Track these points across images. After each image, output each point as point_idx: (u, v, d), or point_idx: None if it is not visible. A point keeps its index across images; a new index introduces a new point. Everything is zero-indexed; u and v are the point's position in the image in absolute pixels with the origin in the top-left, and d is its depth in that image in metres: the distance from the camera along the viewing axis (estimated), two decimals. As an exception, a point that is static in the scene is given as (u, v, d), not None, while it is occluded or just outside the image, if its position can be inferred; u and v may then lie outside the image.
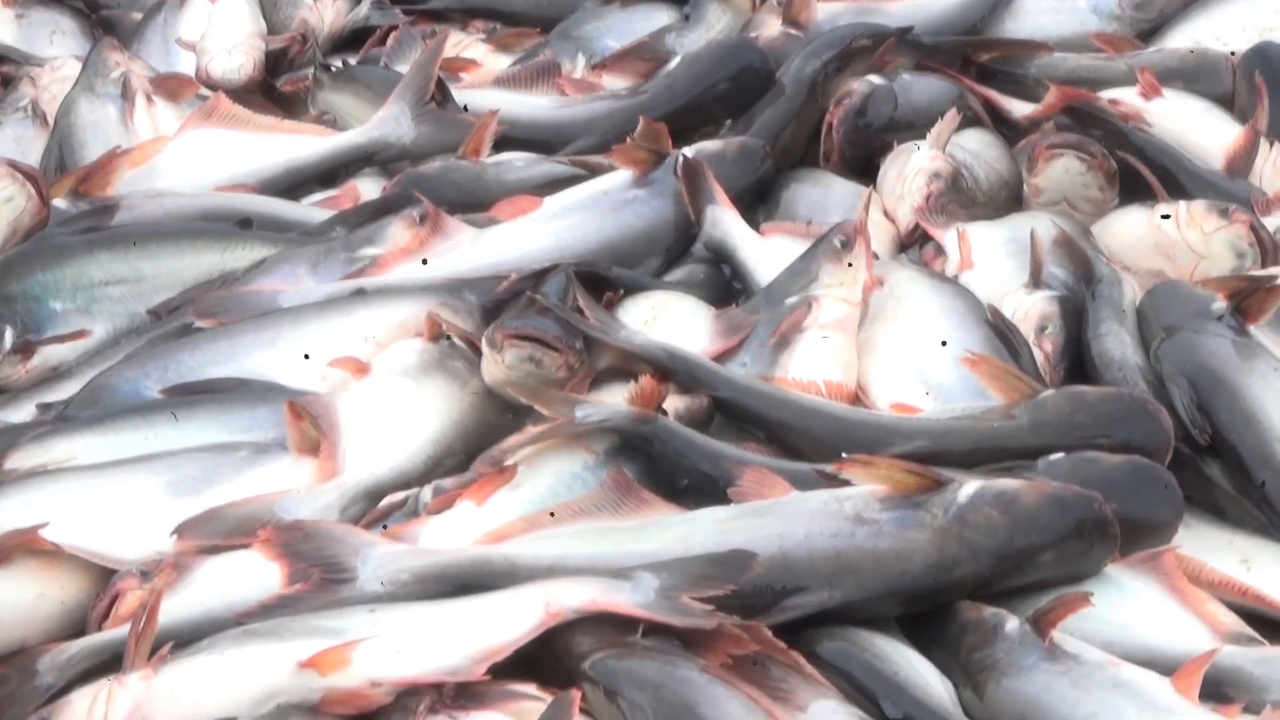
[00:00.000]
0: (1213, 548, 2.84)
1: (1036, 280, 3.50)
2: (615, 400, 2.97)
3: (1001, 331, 3.31)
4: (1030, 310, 3.41)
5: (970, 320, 3.37)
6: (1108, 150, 3.86)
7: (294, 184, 4.14)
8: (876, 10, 4.65)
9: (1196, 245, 3.59)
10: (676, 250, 3.78)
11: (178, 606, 2.57)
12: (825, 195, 4.09)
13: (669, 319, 3.34)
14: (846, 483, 2.70)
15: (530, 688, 2.38)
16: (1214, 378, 3.06)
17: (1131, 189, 3.92)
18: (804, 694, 2.40)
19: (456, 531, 2.73)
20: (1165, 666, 2.46)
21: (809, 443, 2.97)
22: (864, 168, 4.20)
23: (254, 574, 2.64)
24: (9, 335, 3.40)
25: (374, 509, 2.86)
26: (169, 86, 4.54)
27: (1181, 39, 4.60)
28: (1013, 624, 2.53)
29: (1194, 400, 3.01)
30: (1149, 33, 4.69)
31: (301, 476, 2.90)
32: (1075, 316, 3.41)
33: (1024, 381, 3.05)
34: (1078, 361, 3.33)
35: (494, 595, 2.51)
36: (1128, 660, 2.48)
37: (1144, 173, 3.88)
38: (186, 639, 2.47)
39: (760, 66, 4.40)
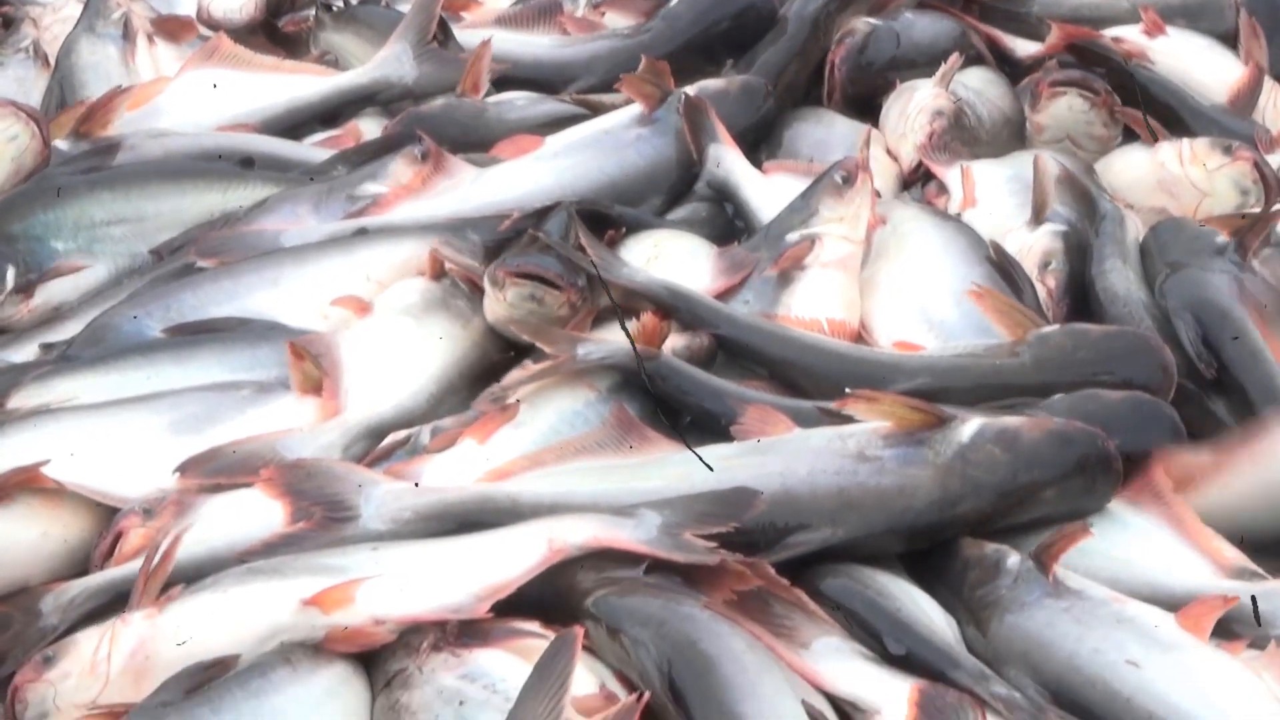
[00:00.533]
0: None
1: (1040, 217, 3.46)
2: (617, 338, 2.94)
3: (1004, 268, 3.28)
4: (1033, 247, 3.38)
5: (973, 257, 3.34)
6: (1110, 88, 3.81)
7: (296, 124, 4.10)
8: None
9: (1200, 183, 3.56)
10: (679, 189, 3.74)
11: (182, 545, 2.53)
12: (828, 134, 4.05)
13: (671, 257, 3.31)
14: (850, 420, 2.67)
15: (533, 625, 2.36)
16: (1219, 313, 3.03)
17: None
18: (807, 631, 2.39)
19: (459, 469, 2.70)
20: (1169, 602, 2.43)
21: (812, 380, 2.94)
22: (866, 106, 4.15)
23: (257, 512, 2.61)
24: (10, 275, 3.37)
25: (376, 447, 2.84)
26: (170, 27, 4.51)
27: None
28: (1015, 560, 2.50)
29: (1199, 335, 2.97)
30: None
31: (304, 415, 2.88)
32: (1078, 253, 3.38)
33: (1027, 316, 3.02)
34: (1081, 298, 3.29)
35: (497, 533, 2.49)
36: (1131, 596, 2.45)
37: (1133, 118, 3.81)
38: (189, 578, 2.45)
39: (762, 5, 4.34)
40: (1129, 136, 3.85)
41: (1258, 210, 3.48)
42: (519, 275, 3.02)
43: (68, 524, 2.69)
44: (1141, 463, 2.71)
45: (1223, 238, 3.27)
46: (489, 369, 3.04)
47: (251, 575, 2.44)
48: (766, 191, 3.62)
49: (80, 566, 2.67)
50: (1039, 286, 3.29)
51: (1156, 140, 3.73)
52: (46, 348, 3.25)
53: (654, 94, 3.75)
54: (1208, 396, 2.97)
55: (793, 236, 3.27)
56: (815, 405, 2.79)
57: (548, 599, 2.42)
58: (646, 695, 2.04)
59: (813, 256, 3.23)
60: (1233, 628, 2.40)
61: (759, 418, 2.73)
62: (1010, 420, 2.66)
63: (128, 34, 4.34)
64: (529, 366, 2.87)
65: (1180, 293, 3.13)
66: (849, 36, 4.19)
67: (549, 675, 2.02)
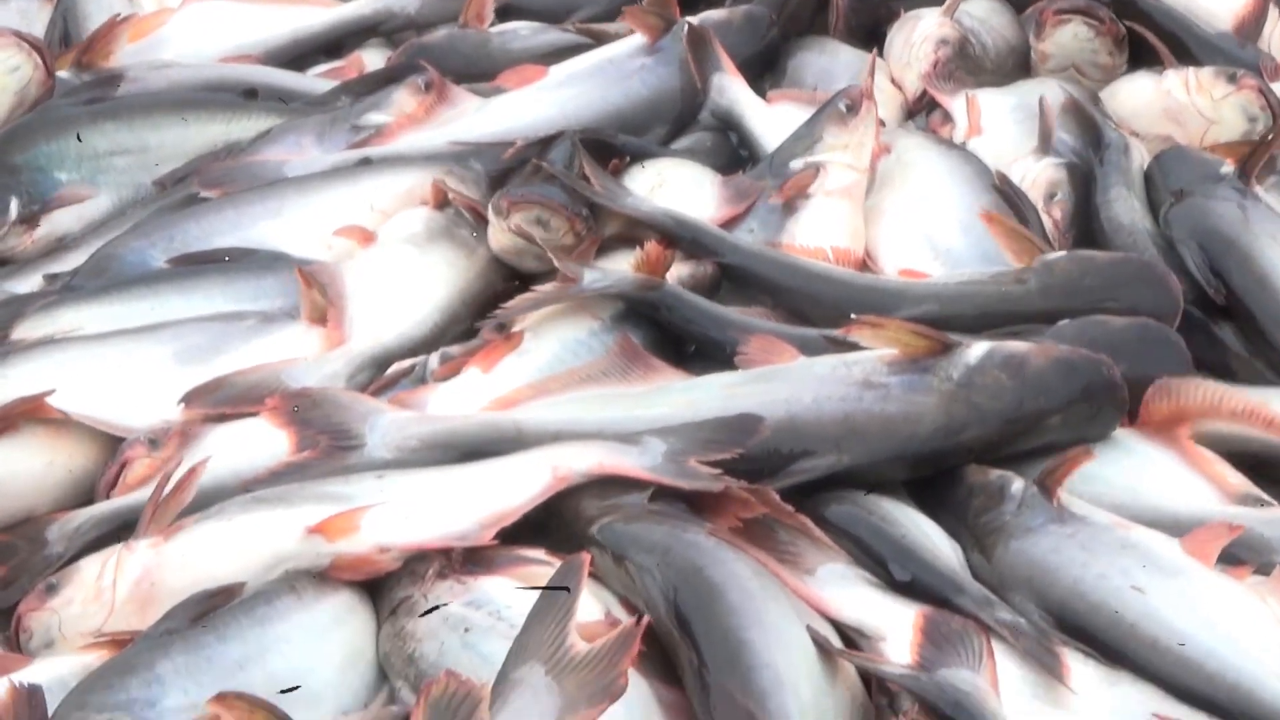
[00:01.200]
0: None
1: (1045, 146, 3.41)
2: (622, 267, 2.91)
3: (1010, 198, 3.23)
4: (1039, 177, 3.33)
5: (978, 186, 3.29)
6: (1115, 15, 3.74)
7: (299, 55, 4.05)
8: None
9: (1206, 110, 3.50)
10: (683, 118, 3.68)
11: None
12: (832, 63, 3.98)
13: (675, 186, 3.26)
14: (855, 347, 2.64)
15: (538, 552, 2.34)
16: (1225, 241, 2.98)
17: (1140, 55, 3.80)
18: (812, 557, 2.36)
19: (464, 398, 2.68)
20: (1174, 528, 2.40)
21: (816, 308, 2.90)
22: (870, 35, 4.07)
23: (262, 442, 2.59)
24: (14, 205, 3.33)
25: (381, 376, 2.82)
26: (173, -42, 4.42)
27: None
28: (1020, 486, 2.47)
29: (1206, 263, 2.93)
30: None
31: (309, 344, 2.85)
32: (1084, 184, 3.33)
33: (1034, 242, 2.98)
34: (1087, 229, 3.24)
35: (501, 460, 2.46)
36: (1136, 522, 2.42)
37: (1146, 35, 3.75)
38: (195, 507, 2.42)
39: (766, -66, 4.26)
40: (1134, 65, 3.79)
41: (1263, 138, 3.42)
42: (523, 204, 2.99)
43: (73, 454, 2.67)
44: (1148, 389, 2.66)
45: (1228, 166, 3.21)
46: (493, 298, 2.99)
47: (257, 504, 2.42)
48: (771, 121, 3.57)
49: (85, 496, 2.65)
50: (1045, 217, 3.23)
51: (1172, 60, 3.66)
52: (51, 278, 3.23)
53: (658, 24, 3.68)
54: (1214, 323, 2.92)
55: (797, 165, 3.23)
56: (820, 333, 2.75)
57: (553, 526, 2.41)
58: (646, 620, 2.01)
59: (817, 185, 3.19)
60: (1237, 553, 2.37)
61: (763, 346, 2.69)
62: (1015, 347, 2.62)
63: (130, -35, 4.27)
64: (535, 291, 2.84)
65: (1185, 222, 3.09)
66: (852, -36, 4.12)
67: (555, 601, 1.99)
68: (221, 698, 1.93)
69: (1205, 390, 2.66)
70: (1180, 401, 2.64)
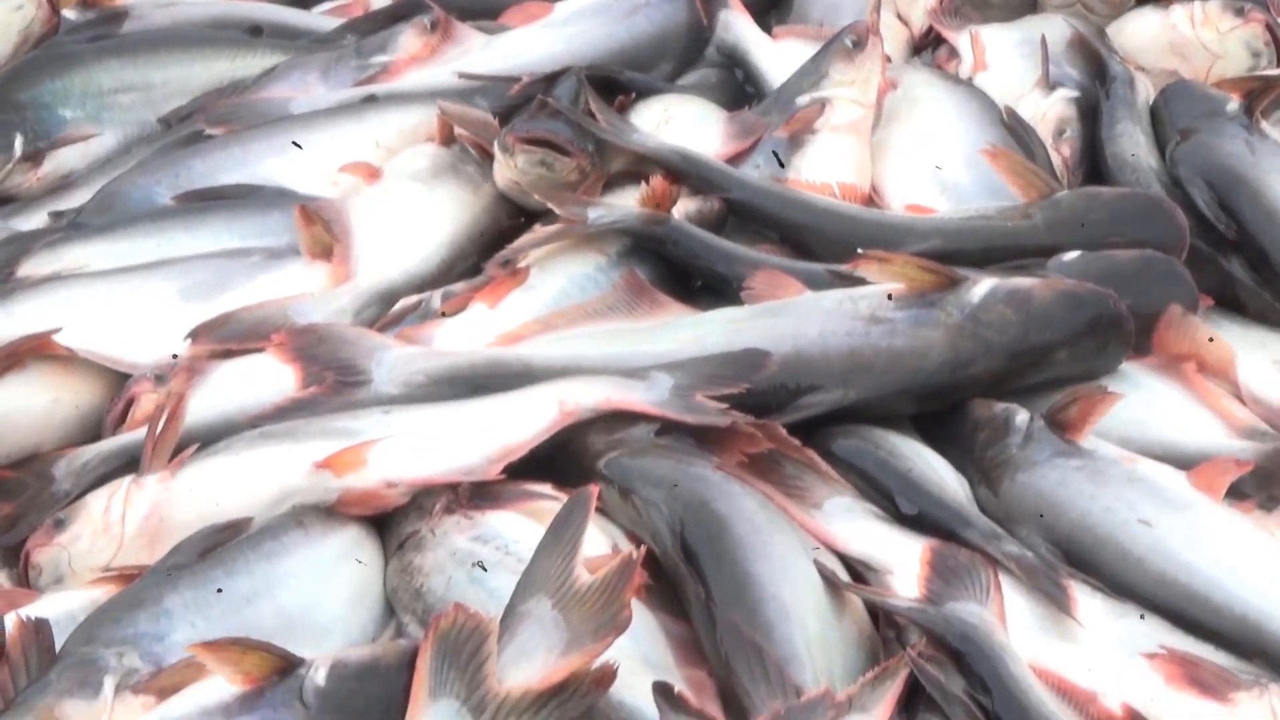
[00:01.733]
0: (1244, 349, 2.71)
1: (1045, 82, 3.35)
2: (628, 203, 2.87)
3: (1017, 133, 3.18)
4: (1048, 113, 3.29)
5: (985, 121, 3.25)
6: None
7: (304, -9, 4.00)
8: None
9: (1211, 45, 3.45)
10: (689, 55, 3.64)
11: (193, 410, 2.49)
12: (837, -2, 3.91)
13: (681, 122, 3.22)
14: (861, 282, 2.60)
15: (546, 487, 2.32)
16: (1232, 177, 2.93)
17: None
18: (819, 491, 2.34)
19: (470, 334, 2.65)
20: (1181, 462, 2.37)
21: (823, 243, 2.86)
22: (878, -29, 4.00)
23: (268, 377, 2.56)
24: (19, 142, 3.30)
25: (387, 312, 2.78)
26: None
27: None
28: (1026, 420, 2.43)
29: (1214, 199, 2.88)
30: None
31: (315, 281, 2.82)
32: (1093, 120, 3.27)
33: (1041, 178, 2.92)
34: (1094, 166, 3.19)
35: (508, 395, 2.43)
36: (1143, 456, 2.39)
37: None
38: (203, 442, 2.40)
39: None
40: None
41: (1269, 72, 3.37)
42: (528, 140, 2.94)
43: (79, 390, 2.64)
44: (1154, 323, 2.63)
45: (1234, 102, 3.15)
46: (499, 235, 2.97)
47: (264, 439, 2.39)
48: (776, 56, 3.52)
49: (93, 433, 2.62)
50: (1054, 154, 3.19)
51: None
52: (56, 216, 3.20)
53: (661, -38, 3.63)
54: (1221, 257, 2.87)
55: (803, 100, 3.18)
56: (826, 268, 2.72)
57: (560, 461, 2.38)
58: (644, 548, 1.99)
59: (823, 120, 3.15)
60: (1243, 487, 2.34)
61: (769, 281, 2.66)
62: (1022, 281, 2.58)
63: (134, -99, 4.20)
64: (540, 229, 2.80)
65: (1192, 159, 3.03)
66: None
67: (561, 535, 1.97)
68: (208, 644, 1.89)
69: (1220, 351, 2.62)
70: (1194, 345, 2.60)
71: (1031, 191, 2.88)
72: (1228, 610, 2.13)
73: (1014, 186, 2.91)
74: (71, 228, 3.09)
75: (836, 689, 1.94)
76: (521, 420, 2.37)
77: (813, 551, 2.20)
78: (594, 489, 2.04)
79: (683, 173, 2.95)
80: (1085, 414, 2.38)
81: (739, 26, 3.61)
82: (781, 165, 3.09)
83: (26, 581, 2.31)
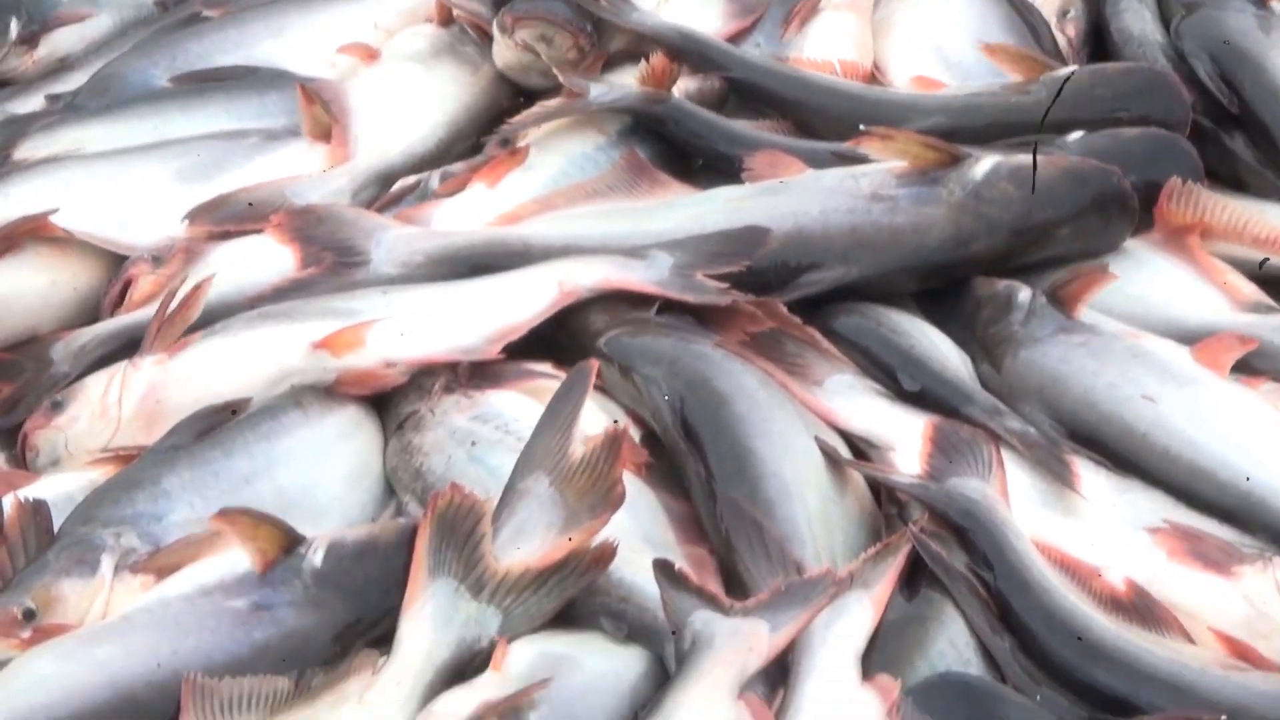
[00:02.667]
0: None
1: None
2: (628, 82, 2.78)
3: (1021, 11, 3.08)
4: (1051, -7, 3.18)
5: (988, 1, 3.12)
6: None
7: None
8: None
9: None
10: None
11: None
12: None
13: (680, 0, 3.10)
14: (863, 160, 2.53)
15: (545, 366, 2.27)
16: (1238, 53, 2.82)
17: None
18: (820, 368, 2.28)
19: (469, 213, 2.58)
20: (1185, 337, 2.30)
21: (825, 121, 2.77)
22: None
23: (266, 258, 2.50)
24: (14, 25, 3.24)
25: (386, 193, 2.72)
26: None
27: None
28: (1029, 296, 2.36)
29: (1218, 75, 2.78)
30: None
31: (312, 162, 2.75)
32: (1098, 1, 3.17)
33: (1044, 63, 2.83)
34: (1101, 46, 3.09)
35: (507, 275, 2.37)
36: (1147, 331, 2.32)
37: None
38: (200, 323, 2.34)
39: None
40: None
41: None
42: (527, 20, 2.85)
43: (77, 272, 2.58)
44: (1158, 199, 2.54)
45: (1240, -25, 3.05)
46: (498, 115, 2.90)
47: (262, 319, 2.34)
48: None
49: (90, 315, 2.57)
50: (1058, 35, 3.09)
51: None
52: (53, 98, 3.14)
53: None
54: (1225, 133, 2.78)
55: (802, -23, 3.07)
56: (828, 146, 2.65)
57: (559, 341, 2.33)
58: (625, 425, 2.00)
59: (824, -2, 3.05)
60: (1251, 362, 2.27)
61: (770, 160, 2.58)
62: (1024, 158, 2.49)
63: None
64: (540, 106, 2.73)
65: (1197, 34, 2.92)
66: None
67: (560, 410, 1.92)
68: (225, 513, 1.86)
69: (1229, 211, 2.53)
70: (1202, 215, 2.51)
71: (1033, 74, 2.79)
72: (1231, 485, 2.08)
73: (1016, 74, 2.83)
74: (68, 110, 3.03)
75: (838, 566, 1.93)
76: (521, 300, 2.31)
77: (814, 429, 2.15)
78: (593, 363, 2.01)
79: (683, 51, 2.84)
80: (1084, 290, 2.32)
81: (739, -95, 3.49)
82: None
83: (24, 463, 2.27)
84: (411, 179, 2.72)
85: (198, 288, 2.35)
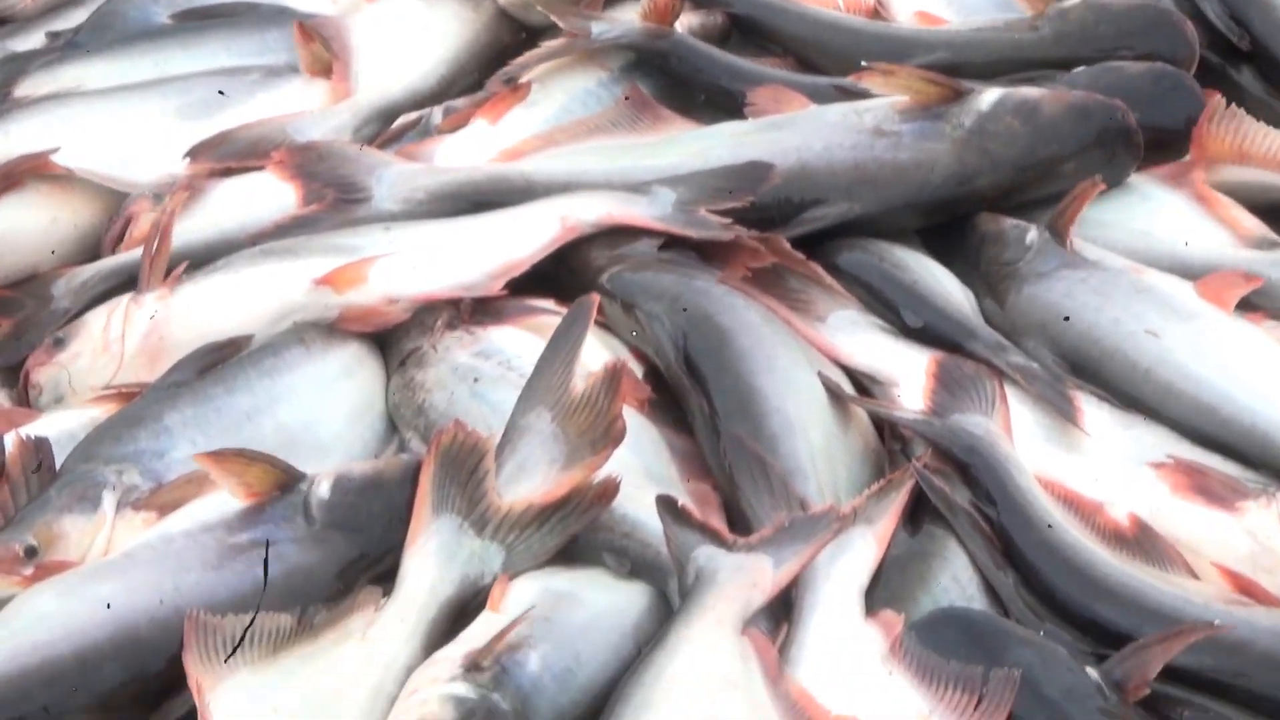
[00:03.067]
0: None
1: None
2: (630, 17, 2.73)
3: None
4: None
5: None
6: None
7: None
8: None
9: None
10: None
11: (192, 228, 2.41)
12: None
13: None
14: (866, 95, 2.48)
15: (548, 303, 2.24)
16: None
17: None
18: (823, 304, 2.26)
19: (471, 150, 2.55)
20: (1189, 273, 2.26)
21: (827, 56, 2.73)
22: None
23: (268, 195, 2.46)
24: (13, -37, 3.17)
25: (387, 129, 2.67)
26: None
27: None
28: (1032, 233, 2.32)
29: (1225, 10, 2.73)
30: None
31: (314, 98, 2.71)
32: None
33: (1047, -6, 2.78)
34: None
35: (509, 211, 2.33)
36: (1150, 267, 2.28)
37: None
38: (202, 260, 2.31)
39: None
40: None
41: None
42: (528, -47, 2.79)
43: (78, 210, 2.54)
44: (1162, 135, 2.50)
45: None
46: (500, 51, 2.83)
47: (264, 256, 2.30)
48: None
49: (91, 252, 2.53)
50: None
51: None
52: (53, 36, 3.06)
53: None
54: (1231, 68, 2.73)
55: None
56: (831, 81, 2.60)
57: (562, 277, 2.30)
58: (625, 360, 1.98)
59: (828, -69, 2.99)
60: (1252, 299, 2.23)
61: (773, 95, 2.54)
62: (1029, 92, 2.46)
63: None
64: (542, 45, 2.68)
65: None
66: None
67: (561, 345, 1.90)
68: (213, 454, 1.82)
69: (1271, 138, 2.47)
70: (1242, 141, 2.46)
71: (1038, 4, 2.73)
72: (1235, 421, 2.05)
73: (1022, 2, 2.77)
74: (68, 48, 2.96)
75: (841, 502, 1.90)
76: (523, 236, 2.27)
77: (817, 364, 2.12)
78: (594, 298, 1.98)
79: (685, -15, 2.79)
80: (1076, 210, 2.29)
81: None
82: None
83: (26, 400, 2.24)
84: (413, 115, 2.67)
85: (171, 216, 2.31)
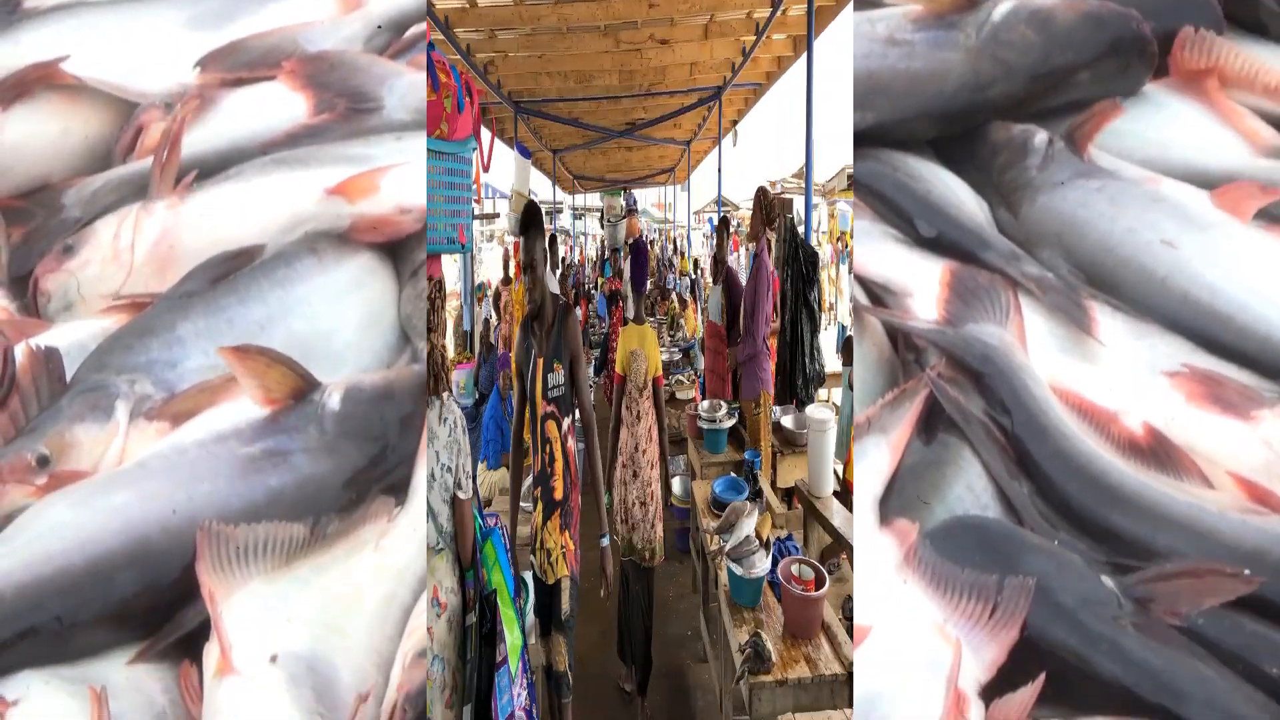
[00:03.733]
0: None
1: None
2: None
3: None
4: None
5: None
6: None
7: None
8: None
9: None
10: None
11: (203, 138, 2.32)
12: None
13: None
14: (878, 5, 2.38)
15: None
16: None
17: None
18: (836, 214, 2.16)
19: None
20: (1205, 183, 2.18)
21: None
22: None
23: (279, 105, 2.37)
24: None
25: (400, 39, 2.56)
26: None
27: None
28: (1046, 141, 2.24)
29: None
30: None
31: (325, 7, 2.59)
32: None
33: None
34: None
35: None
36: (1166, 176, 2.20)
37: None
38: (213, 169, 2.24)
39: None
40: None
41: None
42: None
43: (88, 119, 2.45)
44: (1178, 44, 2.41)
45: None
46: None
47: (275, 165, 2.24)
48: None
49: (102, 162, 2.43)
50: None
51: None
52: (62, -55, 2.93)
53: None
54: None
55: None
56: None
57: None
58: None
59: None
60: (1270, 209, 2.15)
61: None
62: (1043, 1, 2.36)
63: None
64: None
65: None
66: None
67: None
68: (237, 349, 1.76)
69: (1243, 59, 2.38)
70: (1216, 63, 2.38)
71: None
72: (1251, 330, 1.98)
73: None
74: (78, -43, 2.84)
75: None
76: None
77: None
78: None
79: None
80: (1096, 128, 2.21)
81: None
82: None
83: (36, 309, 2.16)
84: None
85: (179, 125, 2.24)
